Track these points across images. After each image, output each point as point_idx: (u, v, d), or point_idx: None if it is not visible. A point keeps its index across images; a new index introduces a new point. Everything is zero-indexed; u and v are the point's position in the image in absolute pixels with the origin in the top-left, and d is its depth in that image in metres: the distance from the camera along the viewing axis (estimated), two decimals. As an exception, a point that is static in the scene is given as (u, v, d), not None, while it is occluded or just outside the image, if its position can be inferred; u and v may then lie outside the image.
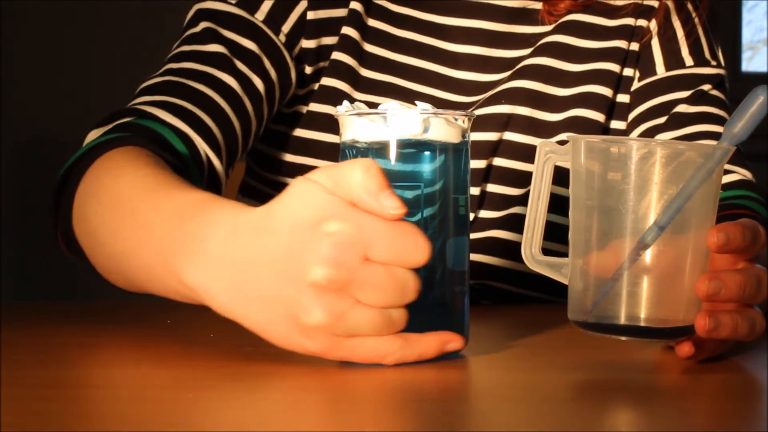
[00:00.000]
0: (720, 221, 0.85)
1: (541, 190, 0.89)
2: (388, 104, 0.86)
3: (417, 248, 0.77)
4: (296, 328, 0.78)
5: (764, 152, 2.95)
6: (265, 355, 0.88)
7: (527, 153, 1.25)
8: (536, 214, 0.89)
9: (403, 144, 0.85)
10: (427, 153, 0.86)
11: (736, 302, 0.83)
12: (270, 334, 0.80)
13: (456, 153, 0.87)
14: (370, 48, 1.25)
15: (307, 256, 0.76)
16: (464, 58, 1.27)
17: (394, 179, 0.85)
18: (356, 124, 0.86)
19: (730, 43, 3.23)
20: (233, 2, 1.20)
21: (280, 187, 1.26)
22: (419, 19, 1.27)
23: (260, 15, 1.20)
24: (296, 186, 0.78)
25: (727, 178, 1.23)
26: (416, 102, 0.88)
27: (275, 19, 1.20)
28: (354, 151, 0.86)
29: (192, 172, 1.09)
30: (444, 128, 0.86)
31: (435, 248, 0.85)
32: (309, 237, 0.76)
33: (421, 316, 0.85)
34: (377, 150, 0.86)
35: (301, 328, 0.78)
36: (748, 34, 3.31)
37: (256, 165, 1.29)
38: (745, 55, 3.29)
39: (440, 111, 0.86)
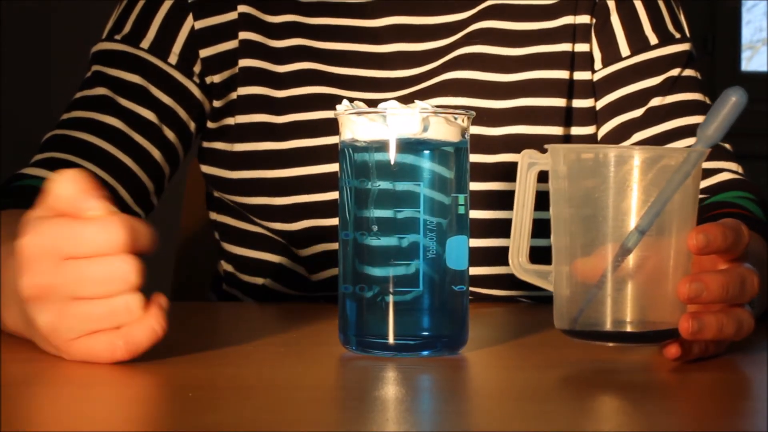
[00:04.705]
0: (711, 220, 0.85)
1: (525, 200, 0.89)
2: (387, 103, 0.87)
3: (103, 233, 0.79)
4: (46, 341, 0.82)
5: (764, 152, 2.95)
6: (265, 354, 0.88)
7: (474, 144, 1.19)
8: (521, 223, 0.89)
9: (403, 143, 0.85)
10: (426, 152, 0.86)
11: (721, 303, 0.82)
12: (48, 350, 0.84)
13: (455, 152, 0.87)
14: (278, 44, 1.22)
15: (15, 274, 0.81)
16: (385, 31, 1.23)
17: (393, 178, 0.85)
18: (355, 123, 0.86)
19: (729, 42, 3.23)
20: (119, 38, 1.22)
21: (232, 207, 1.26)
22: (332, 2, 1.23)
23: (146, 43, 1.21)
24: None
25: (718, 177, 1.20)
26: (415, 101, 0.88)
27: (162, 43, 1.21)
28: (353, 150, 0.86)
29: None
30: (443, 127, 0.86)
31: (435, 248, 0.85)
32: (14, 259, 0.81)
33: (421, 315, 0.86)
34: (376, 149, 0.86)
35: (45, 340, 0.82)
36: (747, 33, 3.30)
37: (209, 184, 1.29)
38: (745, 55, 3.29)
39: (440, 110, 0.86)
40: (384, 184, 0.85)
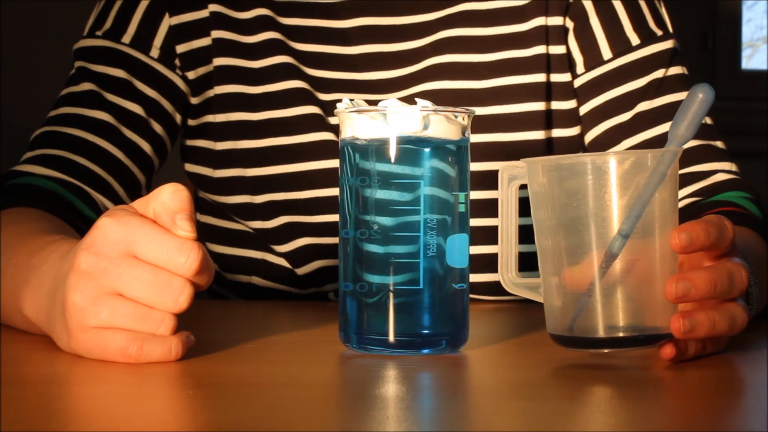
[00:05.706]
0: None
1: (509, 214, 0.89)
2: (388, 101, 0.87)
3: (182, 254, 0.79)
4: (63, 320, 0.82)
5: (764, 151, 2.95)
6: (265, 352, 0.88)
7: None
8: (508, 238, 0.89)
9: (403, 141, 0.85)
10: (426, 150, 0.86)
11: (710, 299, 0.82)
12: (55, 336, 0.84)
13: (456, 150, 0.87)
14: (251, 39, 1.23)
15: (79, 246, 0.82)
16: (354, 32, 1.23)
17: (393, 177, 0.85)
18: (356, 121, 0.86)
19: (730, 41, 3.23)
20: (100, 34, 1.23)
21: (216, 207, 1.26)
22: (303, 2, 1.23)
23: (127, 38, 1.23)
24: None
25: (714, 179, 1.19)
26: (416, 99, 0.88)
27: (143, 37, 1.23)
28: (354, 149, 0.87)
29: (76, 211, 1.14)
30: (444, 125, 0.86)
31: (435, 246, 0.85)
32: (88, 234, 0.82)
33: (422, 313, 0.86)
34: (377, 147, 0.86)
35: (64, 318, 0.81)
36: (747, 32, 3.30)
37: (194, 183, 1.29)
38: (745, 53, 3.28)
39: (440, 108, 0.86)
40: (385, 183, 0.85)
